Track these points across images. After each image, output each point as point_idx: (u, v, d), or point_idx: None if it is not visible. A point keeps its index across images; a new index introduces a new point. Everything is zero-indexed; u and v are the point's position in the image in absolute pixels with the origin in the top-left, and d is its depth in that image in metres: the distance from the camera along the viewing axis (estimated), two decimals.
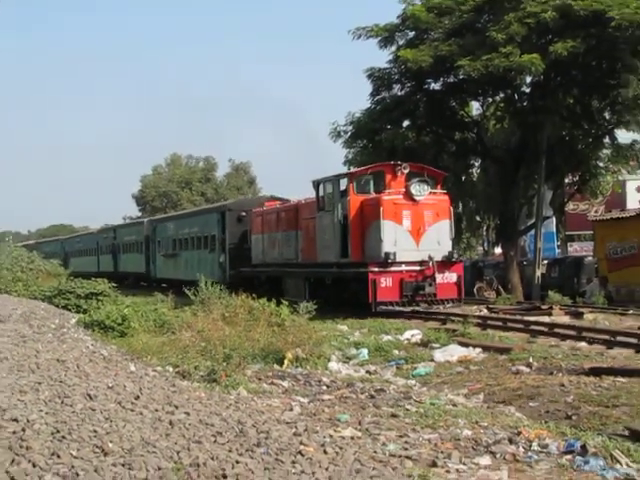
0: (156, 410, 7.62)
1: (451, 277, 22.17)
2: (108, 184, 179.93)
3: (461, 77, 30.43)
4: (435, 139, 33.59)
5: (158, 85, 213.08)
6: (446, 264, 22.08)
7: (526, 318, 19.59)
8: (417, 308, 21.52)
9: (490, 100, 34.43)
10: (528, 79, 31.17)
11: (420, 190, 21.77)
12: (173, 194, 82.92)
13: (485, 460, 7.21)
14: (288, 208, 28.31)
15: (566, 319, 19.82)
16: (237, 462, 5.81)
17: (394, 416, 9.30)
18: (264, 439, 6.76)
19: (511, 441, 7.87)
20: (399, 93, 33.95)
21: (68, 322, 17.27)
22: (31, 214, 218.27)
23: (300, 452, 6.45)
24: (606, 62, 28.84)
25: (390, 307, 21.28)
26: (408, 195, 21.81)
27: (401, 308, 21.41)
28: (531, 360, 13.10)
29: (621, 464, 6.99)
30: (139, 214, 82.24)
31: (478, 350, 14.75)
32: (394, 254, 21.03)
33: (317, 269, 25.11)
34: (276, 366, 13.60)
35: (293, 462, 6.12)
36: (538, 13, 27.76)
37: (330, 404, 10.35)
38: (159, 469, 5.28)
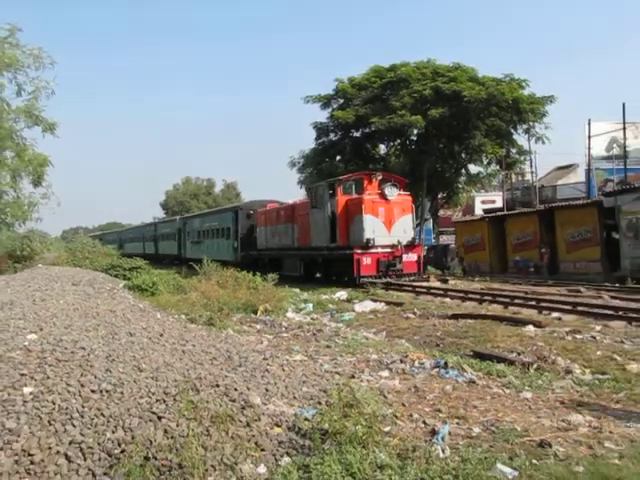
0: (173, 343, 7.59)
1: (413, 257, 20.32)
2: (144, 195, 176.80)
3: (373, 129, 30.68)
4: (356, 169, 33.70)
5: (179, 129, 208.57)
6: (409, 247, 20.12)
7: (413, 283, 19.77)
8: (390, 280, 19.48)
9: (391, 144, 34.74)
10: (415, 131, 31.53)
11: (391, 192, 19.93)
12: (186, 203, 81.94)
13: (385, 373, 7.38)
14: (286, 207, 25.62)
15: (438, 284, 19.94)
16: (226, 376, 5.88)
17: (328, 347, 9.39)
18: (244, 362, 6.81)
19: (402, 361, 8.01)
20: (333, 138, 34.27)
21: (117, 286, 16.91)
22: (94, 214, 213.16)
23: (267, 370, 6.53)
24: (462, 122, 29.36)
25: (370, 279, 19.15)
26: (382, 195, 19.87)
27: (377, 280, 19.29)
28: (415, 310, 13.27)
29: (467, 372, 7.25)
30: (164, 216, 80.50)
31: (383, 304, 14.79)
32: (373, 240, 19.18)
33: (310, 252, 22.59)
34: (252, 315, 13.52)
35: (262, 376, 6.23)
36: (421, 90, 28.40)
37: (287, 339, 10.42)
38: (175, 380, 5.35)
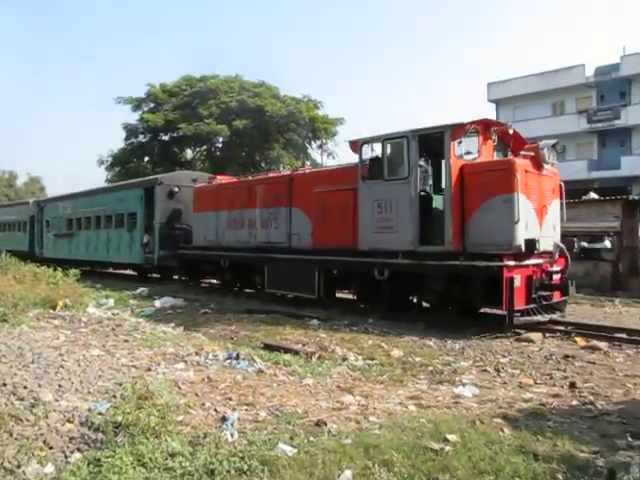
0: None
1: (558, 272, 10.09)
2: None
3: (181, 134, 30.47)
4: (164, 171, 32.90)
5: None
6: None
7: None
8: (556, 317, 9.95)
9: (198, 149, 34.63)
10: (220, 139, 31.80)
11: (552, 158, 10.10)
12: None
13: (181, 365, 7.23)
14: (273, 180, 14.37)
15: None
16: (15, 374, 5.39)
17: (126, 341, 8.95)
18: (37, 358, 6.28)
19: (197, 354, 7.90)
20: (143, 140, 33.64)
21: None
22: None
23: (62, 366, 6.09)
24: (263, 134, 30.41)
25: (527, 317, 9.23)
26: (536, 163, 9.76)
27: (539, 318, 9.41)
28: (213, 305, 13.19)
29: (257, 362, 7.40)
30: None
31: (182, 300, 14.43)
32: (538, 241, 9.24)
33: (354, 258, 11.36)
34: (51, 310, 12.27)
35: (56, 372, 5.80)
36: (227, 102, 28.78)
37: (85, 334, 9.64)
38: None
